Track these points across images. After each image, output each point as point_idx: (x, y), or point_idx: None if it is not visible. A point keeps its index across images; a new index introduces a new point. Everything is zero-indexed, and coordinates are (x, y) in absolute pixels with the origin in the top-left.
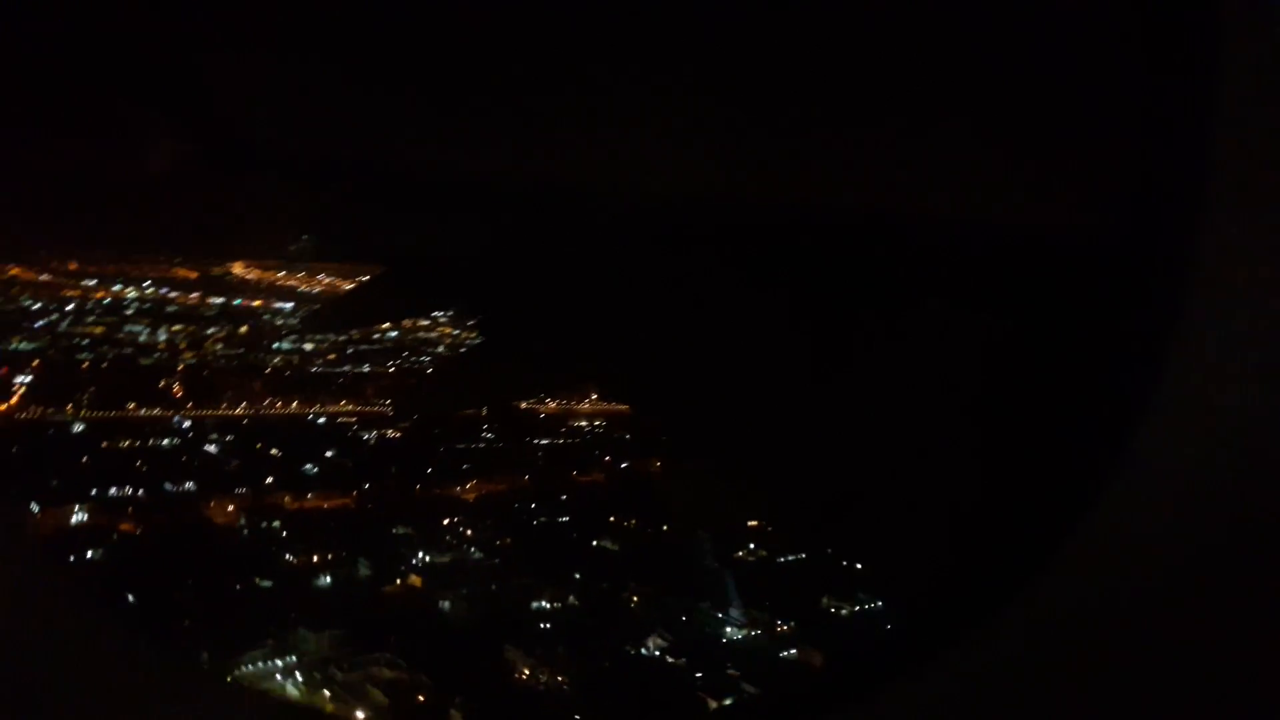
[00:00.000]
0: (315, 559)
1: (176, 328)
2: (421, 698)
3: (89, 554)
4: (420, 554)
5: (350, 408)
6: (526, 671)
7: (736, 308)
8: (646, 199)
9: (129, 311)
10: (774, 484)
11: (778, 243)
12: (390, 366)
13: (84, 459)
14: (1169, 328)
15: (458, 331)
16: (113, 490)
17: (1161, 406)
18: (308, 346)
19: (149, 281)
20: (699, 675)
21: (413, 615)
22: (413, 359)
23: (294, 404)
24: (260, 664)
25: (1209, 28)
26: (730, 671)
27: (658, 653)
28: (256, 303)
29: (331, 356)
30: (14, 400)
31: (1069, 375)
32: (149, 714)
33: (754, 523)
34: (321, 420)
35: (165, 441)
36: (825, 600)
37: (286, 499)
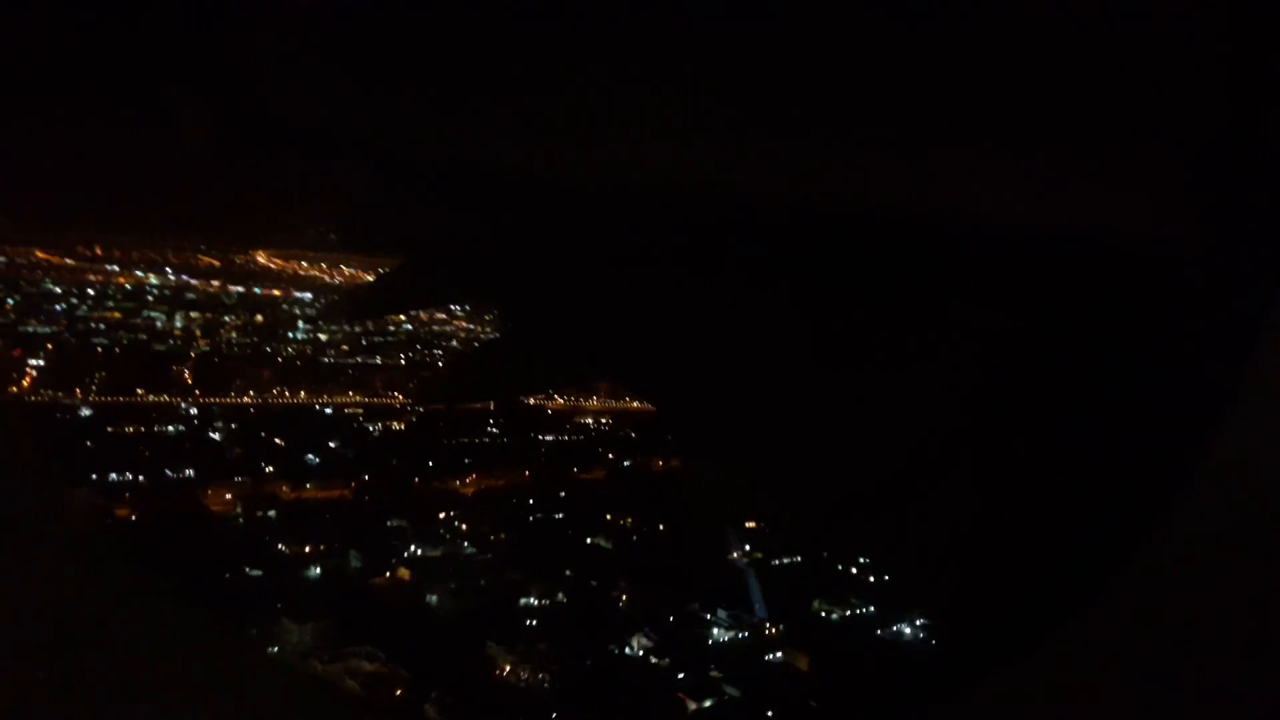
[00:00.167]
0: (307, 549)
1: (194, 315)
2: (399, 691)
3: None
4: (412, 547)
5: (358, 399)
6: (507, 668)
7: (766, 305)
8: (671, 195)
9: (149, 297)
10: (807, 486)
11: (817, 241)
12: (402, 359)
13: (87, 443)
14: (1248, 339)
15: (473, 326)
16: (113, 475)
17: (1238, 419)
18: (322, 337)
19: (171, 268)
20: (681, 676)
21: (398, 608)
22: (425, 352)
23: (301, 394)
24: None
25: None
26: (713, 673)
27: (641, 652)
28: (276, 292)
29: (344, 347)
30: (25, 382)
31: (1141, 386)
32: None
33: (751, 524)
34: (328, 411)
35: (170, 428)
36: (817, 604)
37: (284, 488)
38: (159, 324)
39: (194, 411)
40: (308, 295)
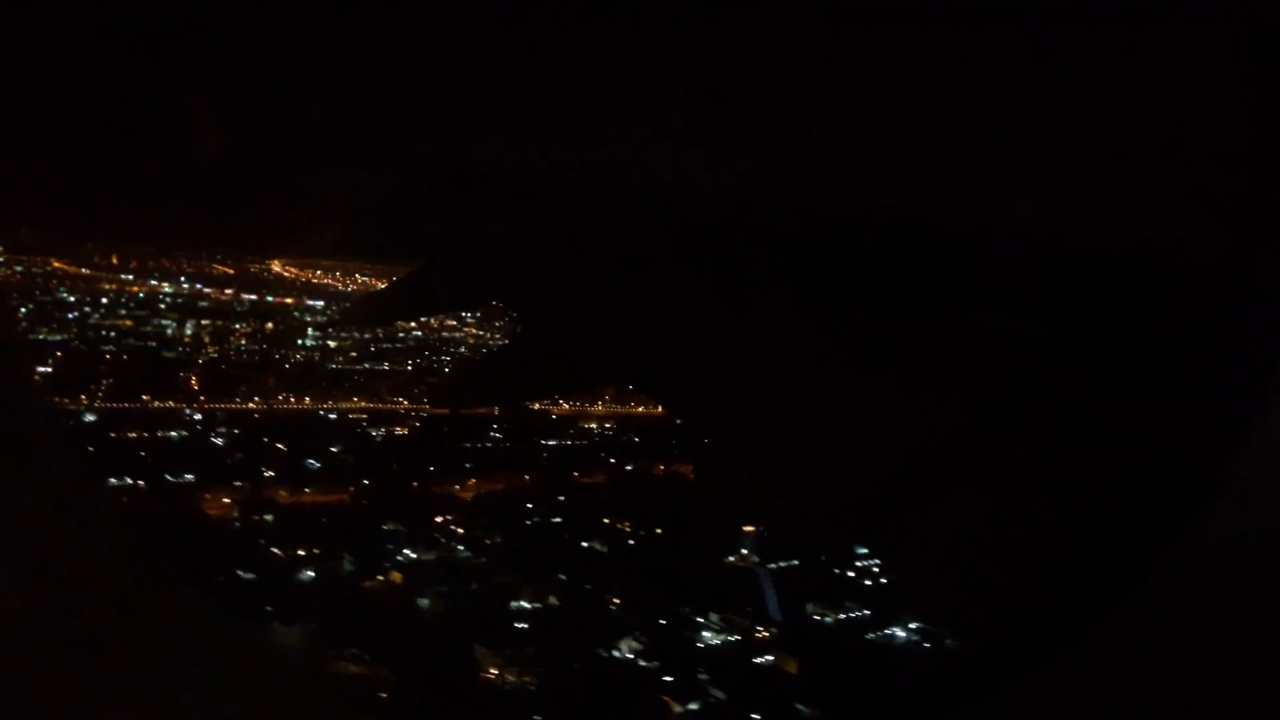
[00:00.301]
0: (301, 553)
1: (204, 323)
2: (383, 694)
3: None
4: (406, 550)
5: (362, 404)
6: (494, 671)
7: (780, 308)
8: (686, 198)
9: (162, 306)
10: (820, 488)
11: (833, 244)
12: (409, 365)
13: (90, 449)
14: (1273, 346)
15: (482, 332)
16: (112, 480)
17: (1262, 427)
18: (331, 343)
19: (185, 277)
20: (668, 679)
21: (388, 611)
22: (433, 358)
23: (307, 399)
24: None
25: None
26: (701, 676)
27: (630, 655)
28: (289, 300)
29: (353, 354)
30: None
31: (1163, 393)
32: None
33: (749, 528)
34: (332, 416)
35: (173, 433)
36: (810, 607)
37: (282, 493)
38: (169, 332)
39: (198, 417)
40: (320, 303)
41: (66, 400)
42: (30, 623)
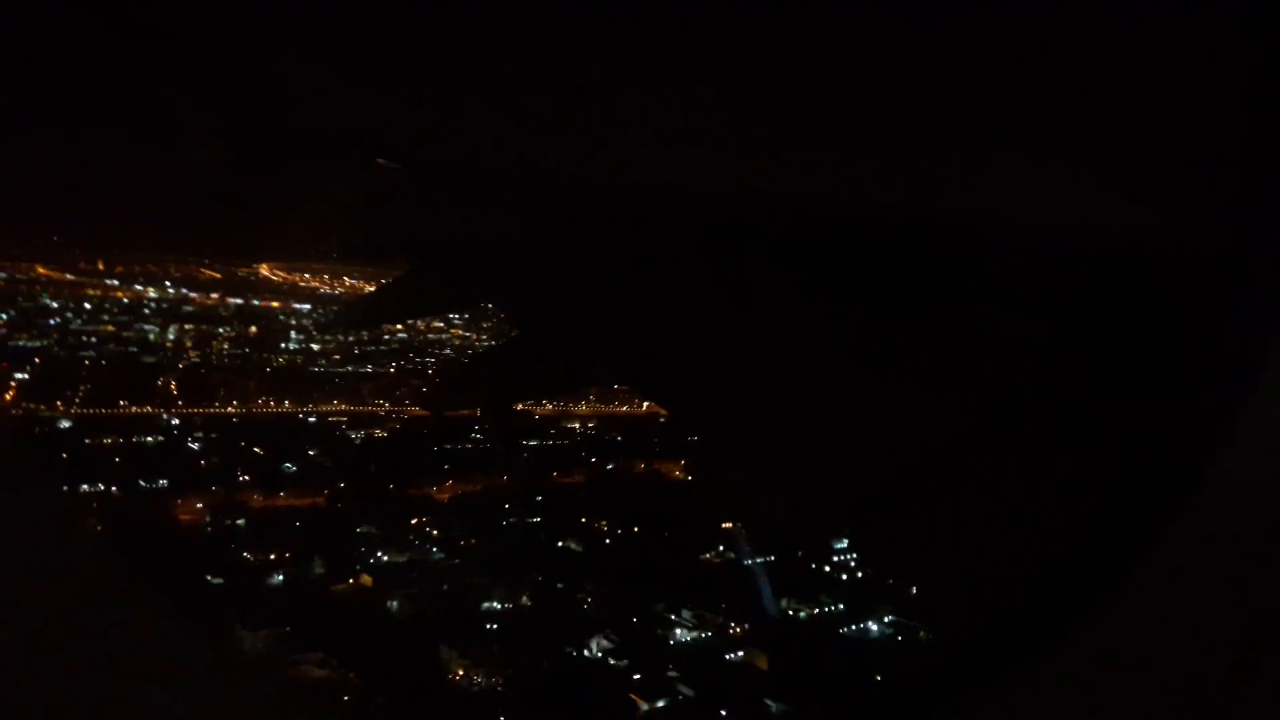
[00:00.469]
0: (272, 557)
1: (188, 327)
2: (346, 698)
3: None
4: (379, 553)
5: (342, 407)
6: (460, 672)
7: (781, 306)
8: (687, 197)
9: (146, 310)
10: (814, 488)
11: (835, 242)
12: (392, 367)
13: (64, 455)
14: (1263, 339)
15: (469, 334)
16: (84, 486)
17: (1254, 422)
18: (314, 346)
19: (172, 282)
20: (636, 677)
21: (356, 614)
22: (418, 360)
23: (286, 403)
24: None
25: None
26: (670, 673)
27: (600, 654)
28: (275, 303)
29: (336, 357)
30: (8, 396)
31: (1152, 387)
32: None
33: (728, 525)
34: (311, 419)
35: (149, 438)
36: (785, 602)
37: (256, 497)
38: (151, 336)
39: (175, 422)
40: (306, 306)
41: (42, 407)
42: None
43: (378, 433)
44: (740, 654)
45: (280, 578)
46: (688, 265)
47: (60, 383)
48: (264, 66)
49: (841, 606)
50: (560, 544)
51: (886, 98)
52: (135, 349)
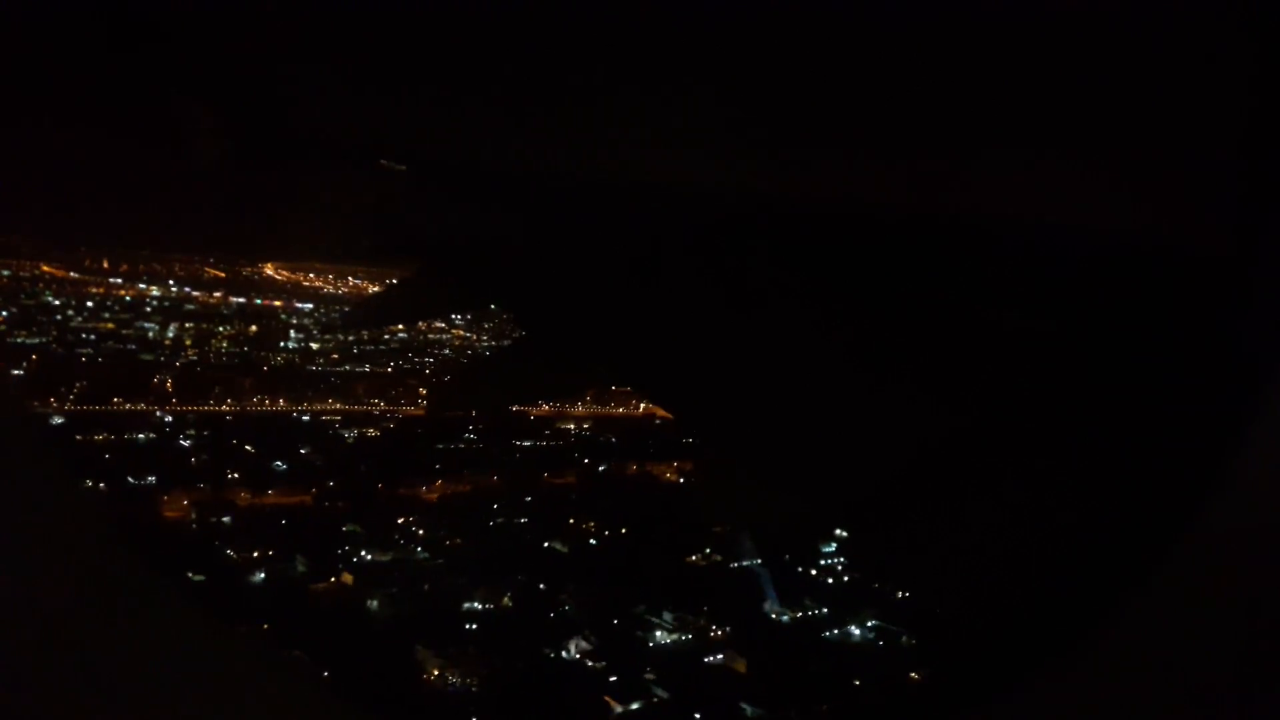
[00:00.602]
0: (255, 555)
1: (188, 325)
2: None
3: None
4: (362, 552)
5: (337, 406)
6: (435, 672)
7: (788, 307)
8: (695, 197)
9: (147, 309)
10: (818, 489)
11: (842, 242)
12: (390, 366)
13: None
14: (1272, 339)
15: (470, 334)
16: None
17: (1261, 423)
18: (313, 345)
19: (176, 280)
20: (613, 679)
21: (334, 613)
22: (416, 359)
23: (281, 401)
24: None
25: None
26: (647, 676)
27: (578, 655)
28: (277, 302)
29: (335, 356)
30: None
31: (1160, 387)
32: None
33: (718, 528)
34: (306, 418)
35: (141, 436)
36: (767, 605)
37: (243, 495)
38: (150, 334)
39: (169, 419)
40: (308, 305)
41: (36, 403)
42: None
43: (370, 432)
44: (719, 657)
45: (261, 576)
46: (690, 266)
47: (56, 379)
48: (267, 68)
49: (825, 610)
50: (546, 544)
51: (890, 97)
52: (134, 346)
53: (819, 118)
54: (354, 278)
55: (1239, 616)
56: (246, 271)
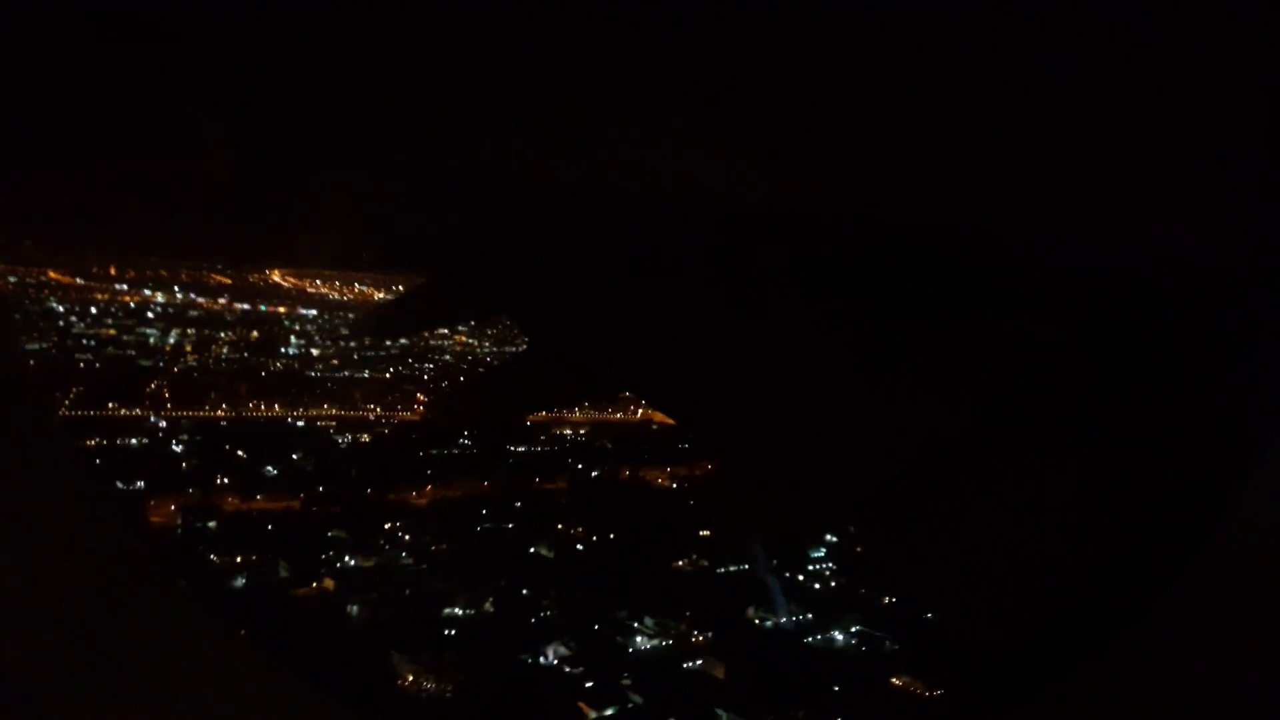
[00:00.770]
0: (238, 560)
1: (189, 331)
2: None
3: None
4: (346, 557)
5: (333, 411)
6: (410, 677)
7: (800, 317)
8: (705, 205)
9: (150, 315)
10: (827, 495)
11: (855, 251)
12: (389, 372)
13: None
14: None
15: (471, 341)
16: None
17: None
18: (314, 351)
19: (181, 287)
20: (589, 685)
21: (313, 619)
22: (416, 365)
23: (276, 406)
24: None
25: None
26: (624, 681)
27: (556, 661)
28: (281, 309)
29: (334, 361)
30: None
31: (1174, 396)
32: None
33: (704, 533)
34: (300, 423)
35: (133, 441)
36: (751, 611)
37: (231, 500)
38: (151, 340)
39: (162, 425)
40: (312, 311)
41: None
42: (26, 620)
43: (364, 437)
44: (698, 662)
45: (242, 581)
46: (698, 274)
47: (52, 385)
48: (276, 73)
49: (809, 616)
50: (532, 550)
51: (896, 104)
52: (133, 352)
53: (826, 123)
54: (360, 284)
55: (1250, 628)
56: (254, 278)
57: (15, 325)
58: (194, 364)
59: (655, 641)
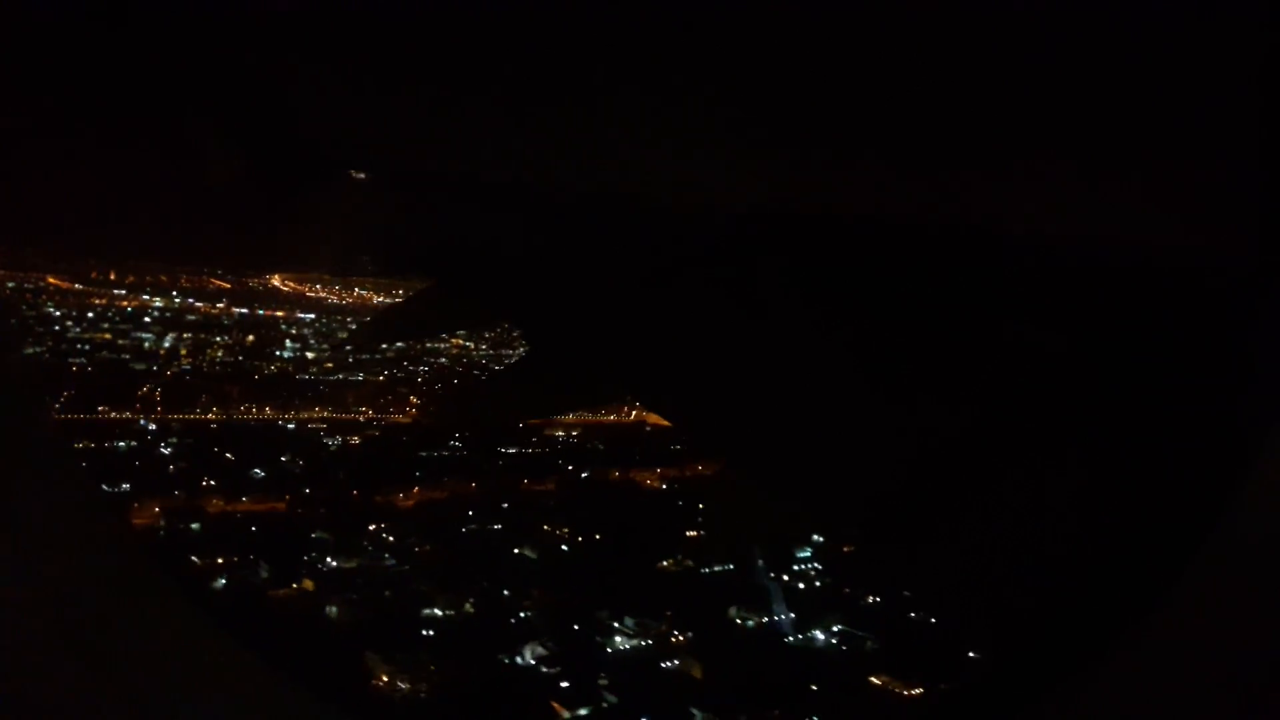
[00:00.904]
0: (220, 561)
1: (186, 335)
2: None
3: None
4: (328, 559)
5: (323, 414)
6: (385, 678)
7: (804, 321)
8: (707, 210)
9: (147, 319)
10: (833, 504)
11: (859, 255)
12: (382, 375)
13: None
14: None
15: (468, 344)
16: None
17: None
18: (309, 355)
19: (179, 292)
20: (564, 685)
21: (290, 619)
22: (410, 368)
23: (267, 409)
24: None
25: None
26: (600, 681)
27: (534, 661)
28: (279, 313)
29: (329, 365)
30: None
31: (1186, 401)
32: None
33: (692, 533)
34: (291, 426)
35: (121, 444)
36: (733, 611)
37: (215, 502)
38: (146, 344)
39: (151, 428)
40: (310, 315)
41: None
42: (24, 622)
43: (353, 439)
44: (675, 662)
45: (222, 582)
46: (700, 276)
47: (45, 388)
48: (276, 80)
49: (792, 615)
50: (516, 550)
51: (904, 106)
52: (127, 356)
53: (827, 125)
54: (360, 289)
55: (1250, 628)
56: (253, 283)
57: (12, 330)
58: (188, 367)
59: (635, 641)
